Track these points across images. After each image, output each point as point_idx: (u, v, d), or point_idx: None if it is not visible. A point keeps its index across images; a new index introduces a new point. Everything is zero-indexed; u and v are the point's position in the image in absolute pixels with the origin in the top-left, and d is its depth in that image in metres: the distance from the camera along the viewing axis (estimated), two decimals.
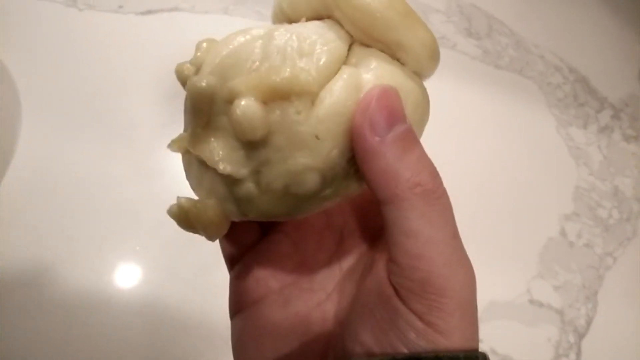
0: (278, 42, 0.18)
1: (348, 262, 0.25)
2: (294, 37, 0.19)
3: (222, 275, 0.48)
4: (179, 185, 0.51)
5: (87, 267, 0.46)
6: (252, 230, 0.26)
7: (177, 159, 0.57)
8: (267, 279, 0.25)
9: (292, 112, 0.18)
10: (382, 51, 0.20)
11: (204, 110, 0.19)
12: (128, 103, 0.55)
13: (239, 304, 0.25)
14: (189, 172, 0.22)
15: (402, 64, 0.20)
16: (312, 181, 0.18)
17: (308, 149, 0.18)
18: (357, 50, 0.20)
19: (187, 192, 0.53)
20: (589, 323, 0.57)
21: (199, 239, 0.49)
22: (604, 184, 0.68)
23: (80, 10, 0.59)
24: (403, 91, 0.19)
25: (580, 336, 0.56)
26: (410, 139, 0.19)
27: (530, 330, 0.55)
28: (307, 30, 0.19)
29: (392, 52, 0.20)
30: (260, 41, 0.19)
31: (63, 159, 0.51)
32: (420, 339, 0.18)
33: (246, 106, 0.17)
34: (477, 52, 0.73)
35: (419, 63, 0.20)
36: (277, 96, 0.18)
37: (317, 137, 0.18)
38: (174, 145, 0.21)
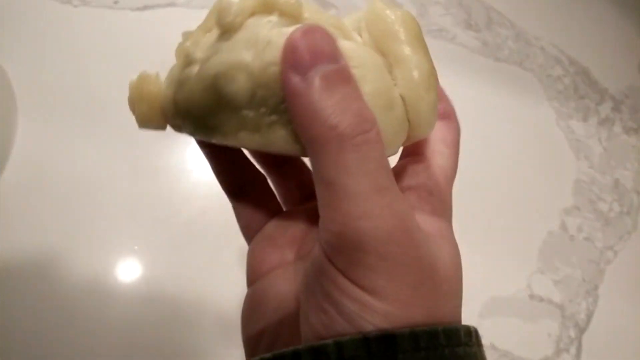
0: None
1: None
2: (315, 8, 0.20)
3: (220, 274, 0.48)
4: (178, 183, 0.51)
5: (86, 265, 0.46)
6: (270, 202, 0.26)
7: (175, 157, 0.56)
8: (284, 249, 0.24)
9: (266, 21, 0.18)
10: None
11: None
12: (125, 100, 0.55)
13: (254, 274, 0.25)
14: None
15: (394, 81, 0.20)
16: (240, 82, 0.18)
17: (255, 49, 0.18)
18: None
19: (186, 191, 0.53)
20: (589, 317, 0.57)
21: (198, 238, 0.49)
22: (604, 177, 0.68)
23: (75, 6, 0.58)
24: (364, 71, 0.19)
25: (581, 331, 0.56)
26: (337, 79, 0.17)
27: (531, 326, 0.55)
28: (330, 15, 0.20)
29: (389, 68, 0.20)
30: None
31: (59, 156, 0.50)
32: (345, 298, 0.17)
33: None
34: (477, 45, 0.72)
35: (410, 85, 0.20)
36: (265, 8, 0.19)
37: (268, 43, 0.18)
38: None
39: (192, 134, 0.21)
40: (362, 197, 0.17)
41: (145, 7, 0.60)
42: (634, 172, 0.70)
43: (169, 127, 0.22)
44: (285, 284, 0.23)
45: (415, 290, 0.17)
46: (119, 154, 0.52)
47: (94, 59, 0.56)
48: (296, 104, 0.17)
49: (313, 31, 0.17)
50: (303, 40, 0.17)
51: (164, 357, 0.45)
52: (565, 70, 0.75)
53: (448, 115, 0.24)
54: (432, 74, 0.20)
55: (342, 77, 0.17)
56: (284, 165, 0.27)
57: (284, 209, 0.27)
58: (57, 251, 0.46)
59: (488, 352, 0.54)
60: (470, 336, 0.19)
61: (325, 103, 0.17)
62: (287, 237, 0.25)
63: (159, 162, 0.53)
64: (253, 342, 0.23)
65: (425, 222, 0.20)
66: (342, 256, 0.17)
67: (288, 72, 0.17)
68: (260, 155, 0.27)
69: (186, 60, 0.20)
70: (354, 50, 0.19)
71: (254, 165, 0.26)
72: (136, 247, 0.48)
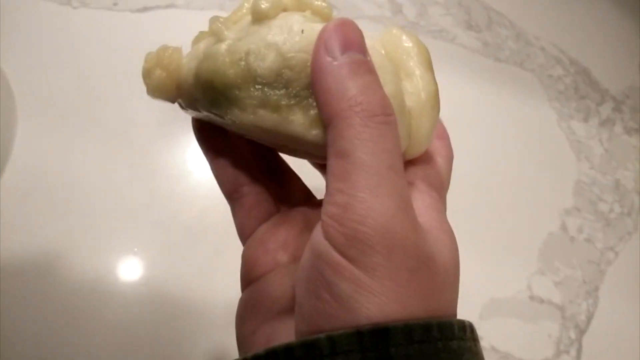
0: None
1: None
2: None
3: (221, 275, 0.48)
4: (177, 184, 0.51)
5: (86, 266, 0.46)
6: (265, 204, 0.26)
7: (175, 158, 0.56)
8: (277, 252, 0.25)
9: (299, 14, 0.21)
10: None
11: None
12: (124, 101, 0.55)
13: (248, 276, 0.25)
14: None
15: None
16: (270, 60, 0.20)
17: (288, 34, 0.20)
18: None
19: (186, 192, 0.53)
20: (589, 319, 0.57)
21: (199, 239, 0.49)
22: (605, 178, 0.68)
23: (75, 8, 0.58)
24: (383, 73, 0.20)
25: (581, 332, 0.56)
26: (364, 67, 0.19)
27: (531, 327, 0.55)
28: None
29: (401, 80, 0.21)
30: None
31: (59, 157, 0.50)
32: (340, 278, 0.17)
33: None
34: (477, 45, 0.72)
35: (418, 100, 0.21)
36: (298, 6, 0.21)
37: (301, 32, 0.20)
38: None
39: (207, 107, 0.22)
40: (375, 171, 0.17)
41: (145, 9, 0.60)
42: (635, 173, 0.70)
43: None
44: (279, 286, 0.23)
45: (412, 274, 0.17)
46: (118, 155, 0.52)
47: (94, 61, 0.56)
48: (324, 81, 0.18)
49: (348, 23, 0.19)
50: (338, 29, 0.19)
51: (164, 358, 0.45)
52: (565, 70, 0.75)
53: (443, 137, 0.25)
54: (437, 97, 0.22)
55: (368, 67, 0.19)
56: (279, 172, 0.27)
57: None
58: (57, 252, 0.46)
59: (488, 354, 0.54)
60: (465, 330, 0.19)
61: (353, 83, 0.18)
62: (279, 240, 0.25)
63: (158, 163, 0.53)
64: (247, 343, 0.23)
65: (427, 214, 0.20)
66: (342, 230, 0.17)
67: (320, 52, 0.19)
68: (261, 156, 0.27)
69: (216, 38, 0.21)
70: (374, 55, 0.20)
71: (252, 167, 0.27)
72: (136, 249, 0.48)
